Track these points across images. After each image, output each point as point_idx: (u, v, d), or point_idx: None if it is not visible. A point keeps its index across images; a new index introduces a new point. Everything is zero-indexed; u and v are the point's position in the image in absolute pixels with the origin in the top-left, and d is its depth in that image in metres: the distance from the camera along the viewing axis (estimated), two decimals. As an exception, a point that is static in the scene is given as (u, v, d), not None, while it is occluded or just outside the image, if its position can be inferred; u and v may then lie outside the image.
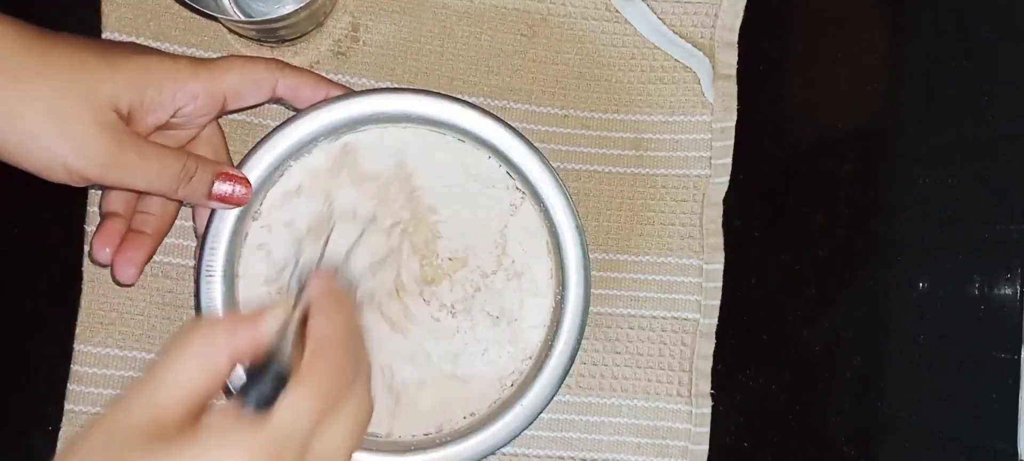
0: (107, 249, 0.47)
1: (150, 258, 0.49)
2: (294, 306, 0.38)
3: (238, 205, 0.49)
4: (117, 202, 0.48)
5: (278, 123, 0.50)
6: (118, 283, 0.49)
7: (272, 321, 0.37)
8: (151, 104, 0.44)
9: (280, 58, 0.53)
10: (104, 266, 0.48)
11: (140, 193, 0.48)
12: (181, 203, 0.50)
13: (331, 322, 0.37)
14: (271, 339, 0.36)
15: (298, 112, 0.49)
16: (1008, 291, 0.55)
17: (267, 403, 0.34)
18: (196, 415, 0.34)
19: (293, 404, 0.34)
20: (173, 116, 0.46)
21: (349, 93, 0.50)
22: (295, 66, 0.49)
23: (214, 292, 0.49)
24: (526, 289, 0.52)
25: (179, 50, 0.53)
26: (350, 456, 0.36)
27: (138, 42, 0.53)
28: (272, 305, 0.38)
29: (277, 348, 0.36)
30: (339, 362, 0.36)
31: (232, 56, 0.48)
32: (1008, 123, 0.56)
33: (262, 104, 0.49)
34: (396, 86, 0.55)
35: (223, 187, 0.48)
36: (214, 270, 0.49)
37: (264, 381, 0.34)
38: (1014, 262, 0.55)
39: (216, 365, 0.34)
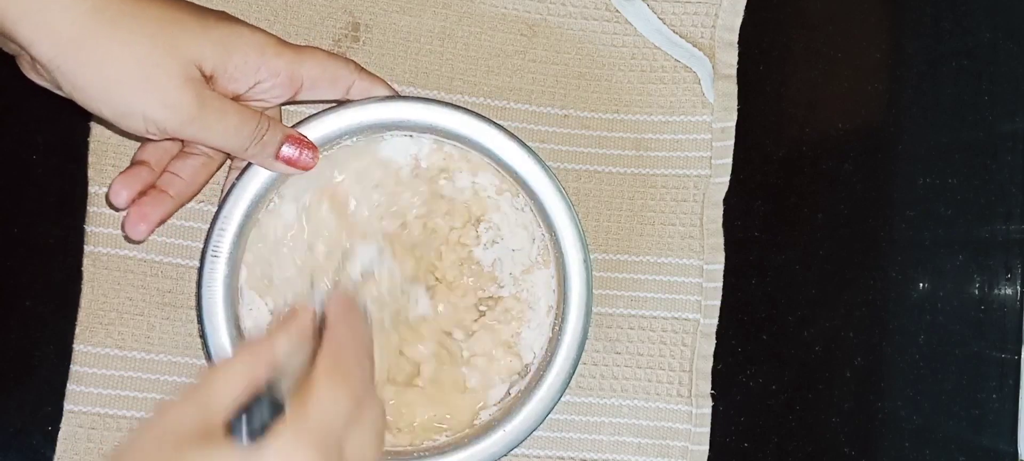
0: (124, 192, 0.46)
1: (164, 220, 0.48)
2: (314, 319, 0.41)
3: (304, 169, 0.49)
4: (151, 154, 0.48)
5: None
6: (127, 238, 0.48)
7: (286, 340, 0.39)
8: (234, 72, 0.45)
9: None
10: (118, 210, 0.47)
11: (180, 154, 0.48)
12: (210, 176, 0.50)
13: (348, 330, 0.40)
14: (290, 350, 0.39)
15: (330, 106, 0.50)
16: (1008, 291, 0.55)
17: (263, 427, 0.35)
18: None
19: (328, 396, 0.36)
20: (250, 89, 0.46)
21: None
22: (372, 72, 0.50)
23: (217, 274, 0.49)
24: (526, 305, 0.52)
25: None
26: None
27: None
28: (291, 315, 0.41)
29: (289, 365, 0.38)
30: (359, 361, 0.39)
31: (315, 47, 0.49)
32: (1008, 123, 0.56)
33: (331, 102, 0.49)
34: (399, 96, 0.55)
35: (289, 150, 0.48)
36: (219, 251, 0.49)
37: (261, 405, 0.35)
38: (1014, 262, 0.55)
39: (258, 378, 0.37)
